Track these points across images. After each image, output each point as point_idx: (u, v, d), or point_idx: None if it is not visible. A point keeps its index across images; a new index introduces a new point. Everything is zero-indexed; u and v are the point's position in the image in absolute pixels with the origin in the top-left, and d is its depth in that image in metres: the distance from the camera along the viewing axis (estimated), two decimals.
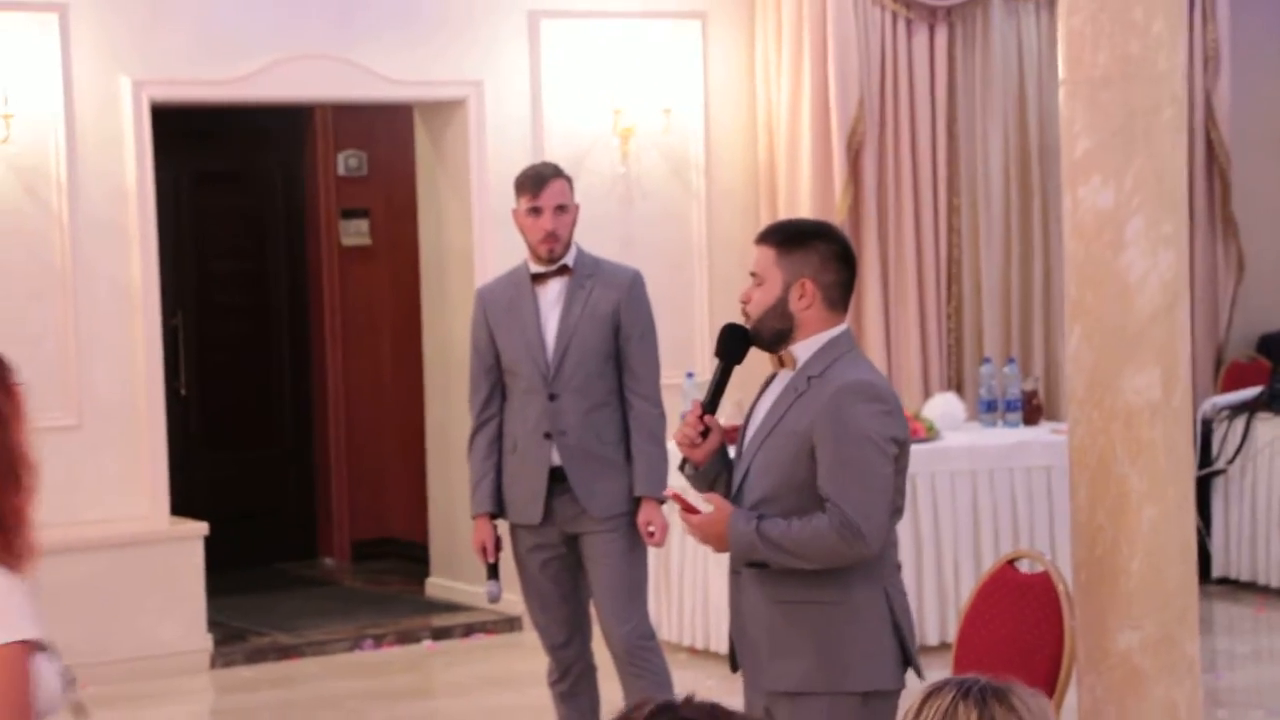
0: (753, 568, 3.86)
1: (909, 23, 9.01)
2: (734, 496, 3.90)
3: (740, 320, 4.05)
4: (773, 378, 4.02)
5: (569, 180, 5.56)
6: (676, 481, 4.76)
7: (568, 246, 5.49)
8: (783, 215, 8.93)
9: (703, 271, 9.02)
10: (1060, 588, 4.29)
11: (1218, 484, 8.83)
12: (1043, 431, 8.12)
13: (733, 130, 9.07)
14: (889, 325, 9.00)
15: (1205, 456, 8.84)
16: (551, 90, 8.65)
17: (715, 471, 4.02)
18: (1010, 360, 8.59)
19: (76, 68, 7.80)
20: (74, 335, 7.83)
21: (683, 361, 8.69)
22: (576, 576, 5.57)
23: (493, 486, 5.53)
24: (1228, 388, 9.38)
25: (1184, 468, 4.04)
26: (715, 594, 7.53)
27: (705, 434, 4.00)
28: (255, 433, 10.07)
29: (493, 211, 8.39)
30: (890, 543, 3.89)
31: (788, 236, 3.92)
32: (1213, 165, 9.65)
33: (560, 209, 5.42)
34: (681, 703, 1.98)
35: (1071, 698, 4.26)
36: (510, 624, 8.42)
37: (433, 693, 7.81)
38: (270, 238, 10.13)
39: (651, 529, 5.48)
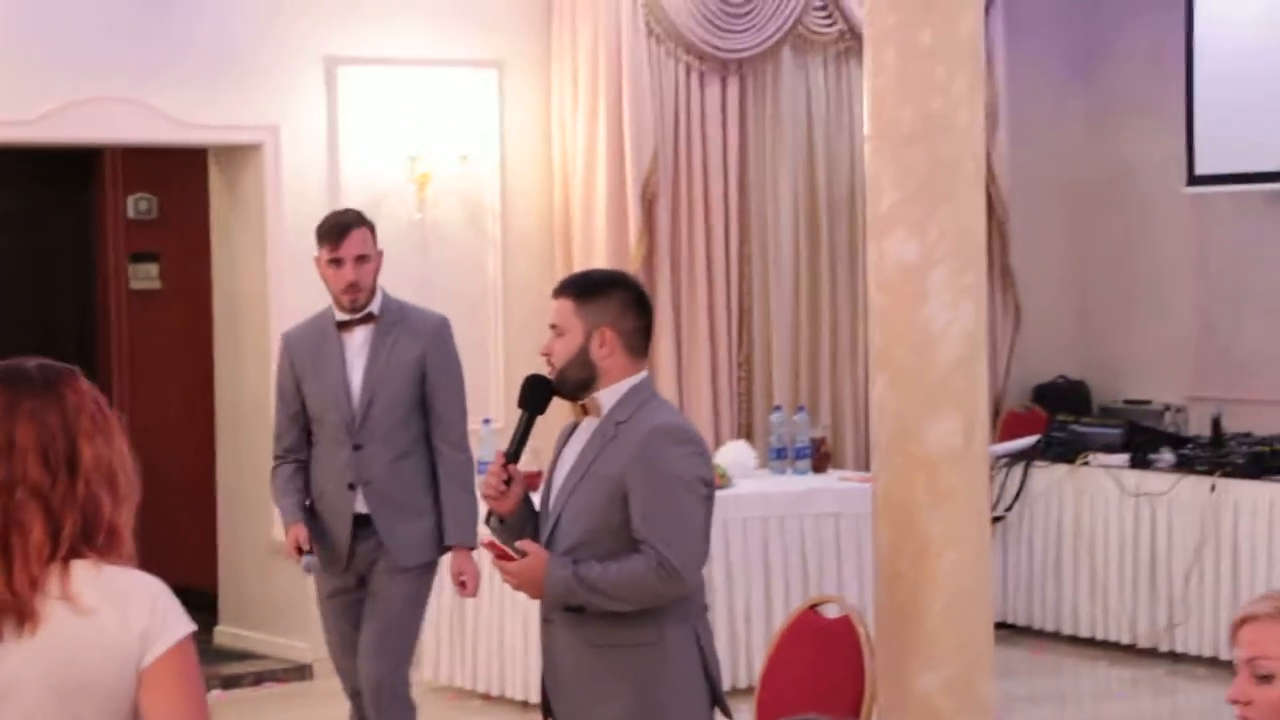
0: (567, 613, 3.89)
1: (702, 74, 9.11)
2: (544, 544, 3.93)
3: (541, 370, 4.12)
4: (574, 426, 4.08)
5: (371, 228, 5.49)
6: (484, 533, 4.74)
7: (372, 294, 5.43)
8: (578, 263, 8.98)
9: (498, 318, 9.02)
10: (861, 631, 4.34)
11: (997, 530, 9.01)
12: (831, 479, 8.20)
13: (529, 178, 9.09)
14: (681, 373, 9.07)
15: None
16: (348, 136, 8.60)
17: (521, 522, 4.05)
18: (800, 408, 8.69)
19: None
20: None
21: (479, 408, 8.60)
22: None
23: (299, 500, 5.43)
24: (1005, 436, 9.60)
25: (982, 513, 4.13)
26: (510, 639, 7.51)
27: (509, 484, 4.04)
28: None
29: (288, 257, 8.30)
30: (698, 584, 3.95)
31: (585, 287, 4.00)
32: (992, 218, 9.88)
33: (361, 259, 5.35)
34: None
35: None
36: (301, 672, 8.30)
37: None
38: (57, 282, 9.93)
39: (464, 579, 5.45)
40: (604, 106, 8.85)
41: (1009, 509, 8.94)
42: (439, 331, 5.51)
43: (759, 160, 9.30)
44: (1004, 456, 9.03)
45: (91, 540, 2.56)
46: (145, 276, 9.63)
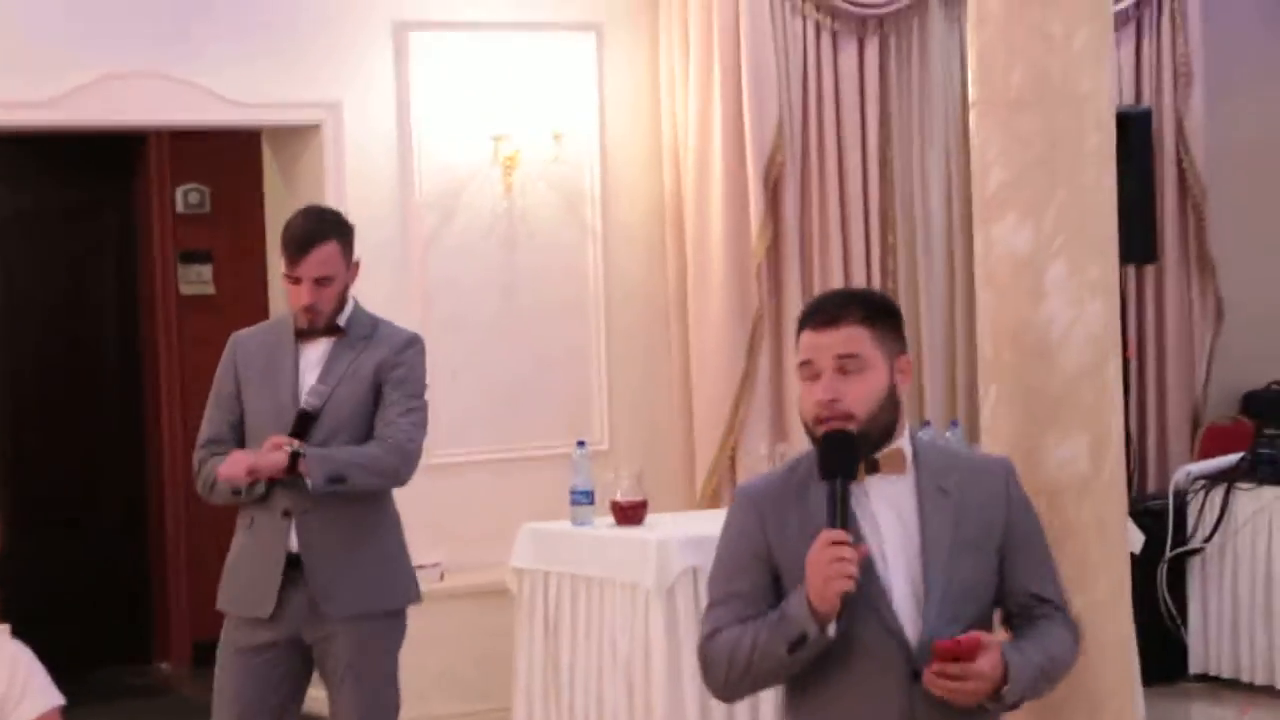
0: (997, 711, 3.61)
1: (835, 34, 9.04)
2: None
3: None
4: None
5: (344, 238, 5.29)
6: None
7: (339, 310, 5.32)
8: (692, 256, 9.01)
9: (599, 322, 9.02)
10: None
11: (1194, 564, 8.85)
12: None
13: (633, 158, 9.08)
14: None
15: (1180, 533, 8.86)
16: (422, 114, 8.63)
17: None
18: (954, 423, 8.55)
19: None
20: None
21: (575, 428, 8.65)
22: (299, 689, 5.37)
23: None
24: (1205, 454, 9.41)
25: (1117, 551, 4.02)
26: (612, 696, 7.48)
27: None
28: (77, 509, 9.92)
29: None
30: None
31: (883, 308, 3.67)
32: (1185, 198, 9.72)
33: (322, 281, 5.21)
34: None
35: None
36: None
37: None
38: (97, 285, 10.03)
39: (274, 450, 5.15)
40: (719, 73, 8.81)
41: (1208, 539, 8.77)
42: (407, 344, 5.39)
43: (904, 134, 9.22)
44: (1202, 478, 8.87)
45: None
46: (197, 279, 9.73)
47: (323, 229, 5.27)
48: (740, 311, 8.90)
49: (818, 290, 8.96)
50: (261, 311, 9.11)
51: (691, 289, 9.04)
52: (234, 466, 5.18)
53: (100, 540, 10.00)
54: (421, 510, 8.46)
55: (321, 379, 5.27)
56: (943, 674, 3.46)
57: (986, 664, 3.46)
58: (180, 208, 9.71)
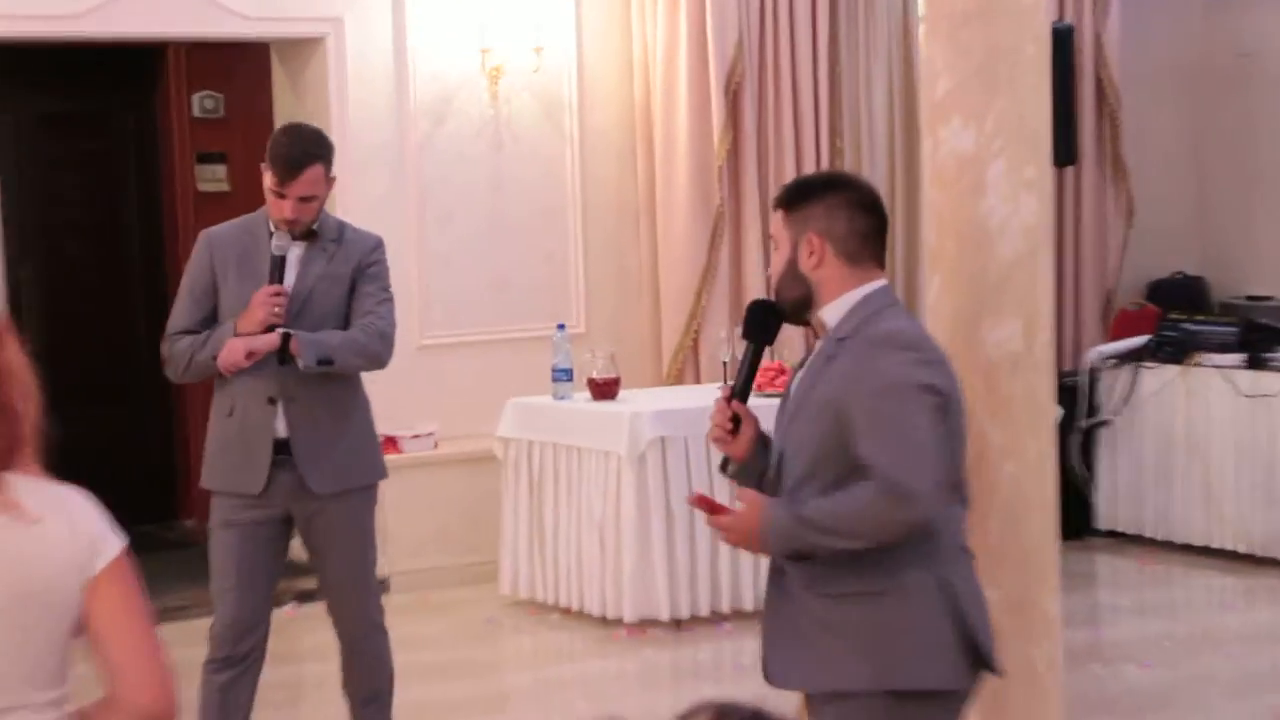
0: (796, 561, 3.55)
1: None
2: (775, 485, 3.63)
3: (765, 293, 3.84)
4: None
5: (328, 160, 5.16)
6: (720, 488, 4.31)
7: (313, 220, 5.22)
8: (660, 159, 8.97)
9: (576, 218, 8.97)
10: None
11: (1104, 435, 8.90)
12: None
13: (607, 70, 9.00)
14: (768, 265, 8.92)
15: (1092, 407, 8.91)
16: (417, 28, 8.55)
17: (762, 465, 3.68)
18: None
19: None
20: None
21: (555, 312, 8.64)
22: (283, 556, 5.33)
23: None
24: (1115, 336, 9.45)
25: (1044, 421, 4.03)
26: (589, 552, 7.53)
27: (737, 424, 3.70)
28: (108, 389, 9.91)
29: (353, 155, 8.32)
30: (953, 518, 3.55)
31: (792, 194, 3.66)
32: (1103, 107, 9.69)
33: (307, 199, 5.11)
34: (731, 707, 1.90)
35: None
36: (380, 584, 8.33)
37: (297, 657, 7.71)
38: (121, 184, 9.94)
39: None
40: None
41: (1116, 413, 8.82)
42: (376, 245, 5.29)
43: (850, 47, 9.14)
44: (1112, 357, 8.91)
45: (18, 451, 2.58)
46: (213, 178, 9.64)
47: (312, 152, 5.13)
48: (703, 210, 8.87)
49: (773, 189, 8.95)
50: None
51: (659, 189, 9.00)
52: (233, 353, 5.10)
53: (131, 414, 9.99)
54: (417, 385, 8.49)
55: (301, 275, 5.16)
56: (710, 524, 3.60)
57: (733, 519, 3.54)
58: (196, 112, 9.60)
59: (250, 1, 8.24)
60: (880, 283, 3.58)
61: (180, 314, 5.27)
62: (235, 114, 9.59)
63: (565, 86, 8.88)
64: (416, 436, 8.43)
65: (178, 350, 5.24)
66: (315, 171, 5.10)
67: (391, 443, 7.99)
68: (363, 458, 5.31)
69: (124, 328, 9.91)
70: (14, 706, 2.56)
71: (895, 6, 9.19)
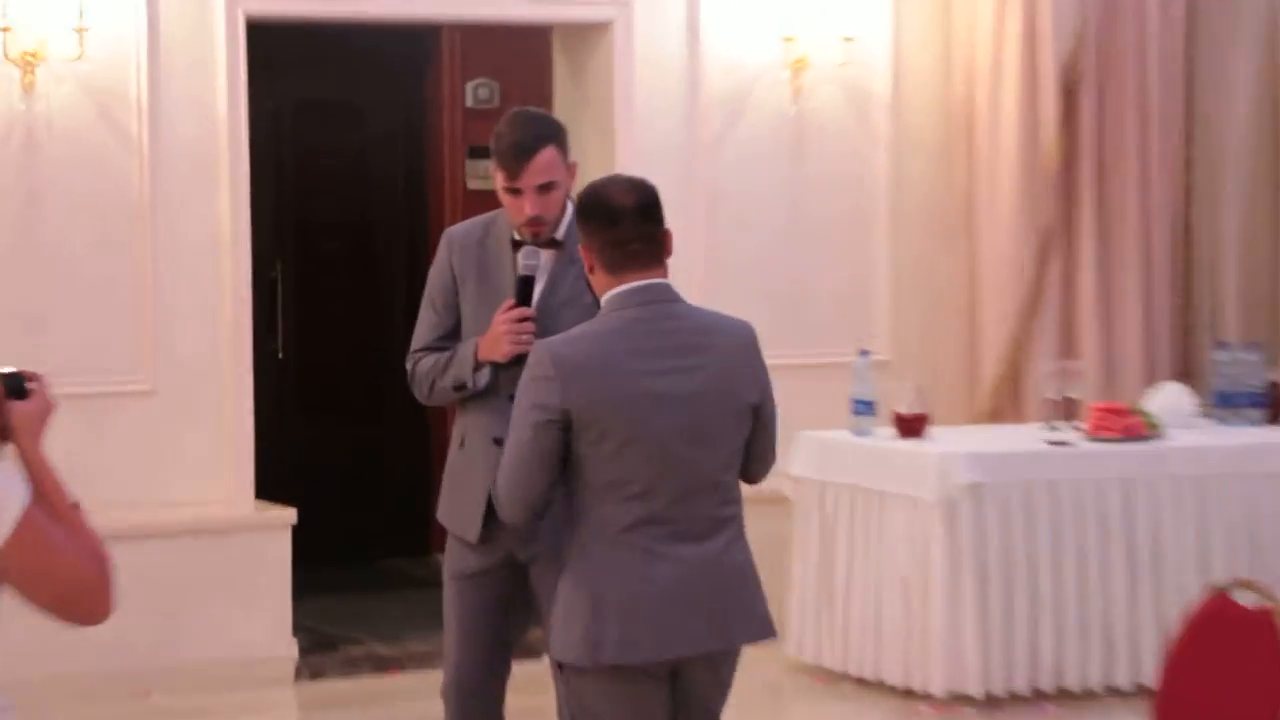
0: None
1: None
2: None
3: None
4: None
5: (560, 141, 4.91)
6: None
7: (559, 222, 4.92)
8: (983, 163, 8.88)
9: (884, 229, 8.86)
10: None
11: None
12: None
13: (925, 62, 8.89)
14: (1108, 299, 8.74)
15: None
16: (712, 13, 8.51)
17: None
18: (1252, 345, 8.27)
19: None
20: (151, 285, 7.75)
21: (856, 335, 8.51)
22: (522, 613, 5.05)
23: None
24: None
25: None
26: (888, 615, 7.38)
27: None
28: (361, 404, 9.95)
29: (640, 151, 8.31)
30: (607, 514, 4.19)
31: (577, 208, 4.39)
32: None
33: (546, 188, 4.83)
34: None
35: None
36: None
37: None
38: (385, 178, 9.99)
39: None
40: None
41: None
42: None
43: (1210, 41, 8.81)
44: None
45: None
46: (485, 175, 9.58)
47: (542, 132, 4.88)
48: (1031, 223, 8.69)
49: (1115, 202, 8.73)
50: None
51: (981, 199, 8.85)
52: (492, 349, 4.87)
53: (384, 437, 10.04)
54: None
55: (546, 294, 4.86)
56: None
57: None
58: (470, 102, 9.62)
59: None
60: (624, 287, 4.27)
61: (424, 328, 5.08)
62: (512, 105, 9.47)
63: (878, 81, 8.76)
64: None
65: (420, 371, 5.06)
66: (549, 154, 4.83)
67: None
68: None
69: (381, 338, 9.93)
70: None
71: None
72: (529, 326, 4.80)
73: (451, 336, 5.01)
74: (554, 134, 4.90)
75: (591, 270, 4.27)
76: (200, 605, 7.66)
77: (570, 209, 4.85)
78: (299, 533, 7.85)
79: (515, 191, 4.83)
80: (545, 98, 8.92)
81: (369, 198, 10.00)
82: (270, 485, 8.01)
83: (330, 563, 9.03)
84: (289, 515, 7.85)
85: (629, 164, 8.26)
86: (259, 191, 8.05)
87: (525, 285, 4.85)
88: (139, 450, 7.65)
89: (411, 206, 9.96)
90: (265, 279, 9.04)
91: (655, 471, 4.18)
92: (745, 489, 8.55)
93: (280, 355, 9.57)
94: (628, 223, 4.25)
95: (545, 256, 4.89)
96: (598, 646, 4.19)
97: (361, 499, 9.83)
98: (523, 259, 4.86)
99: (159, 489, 7.71)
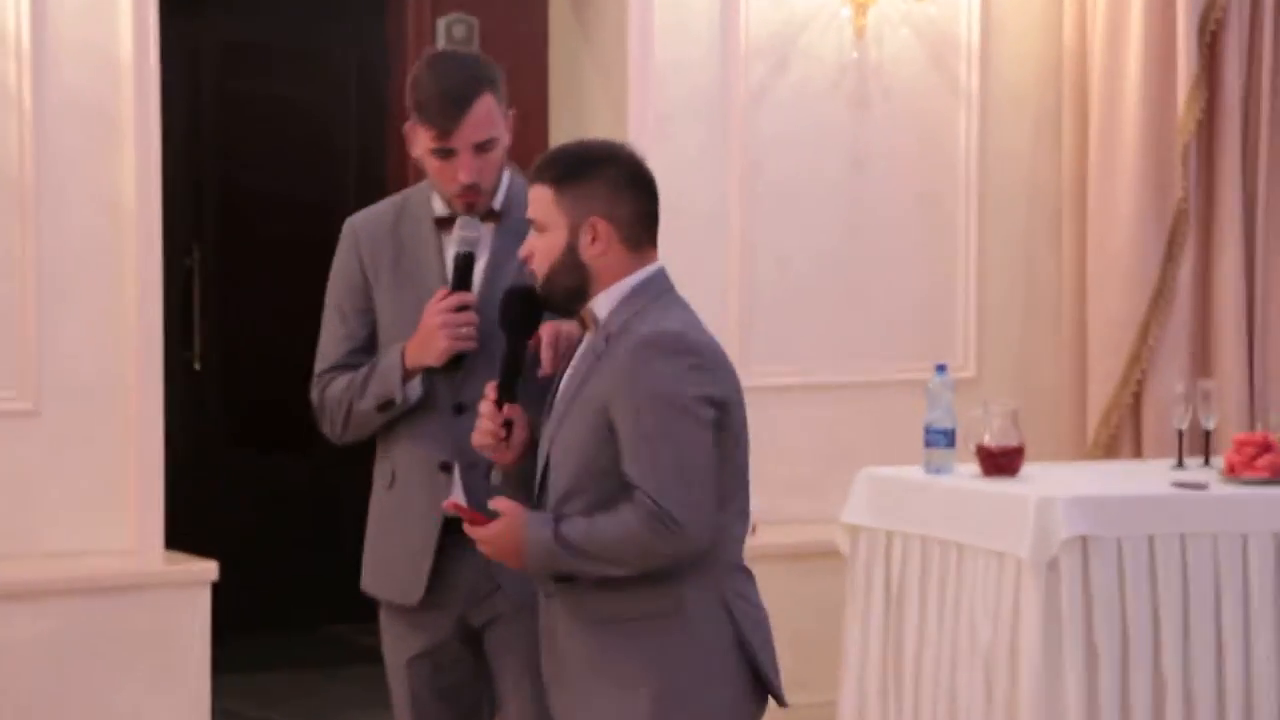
0: (562, 583, 4.37)
1: None
2: (539, 495, 4.45)
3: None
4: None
5: (497, 87, 4.90)
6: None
7: (496, 187, 4.94)
8: (1094, 125, 9.00)
9: (970, 210, 8.99)
10: None
11: None
12: None
13: (1023, 4, 9.01)
14: (1252, 289, 8.91)
15: None
16: None
17: (534, 472, 4.50)
18: None
19: None
20: (34, 278, 7.77)
21: (932, 347, 8.65)
22: (479, 688, 5.04)
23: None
24: None
25: None
26: (969, 693, 7.44)
27: (509, 429, 4.52)
28: (299, 430, 9.91)
29: (657, 110, 8.41)
30: (732, 538, 4.40)
31: (567, 168, 4.41)
32: None
33: (485, 146, 4.84)
34: None
35: None
36: None
37: None
38: (334, 140, 10.15)
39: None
40: None
41: None
42: None
43: None
44: None
45: None
46: None
47: (476, 74, 4.88)
48: (1157, 205, 8.82)
49: (1264, 167, 8.87)
50: None
51: (1093, 174, 8.95)
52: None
53: (330, 469, 9.98)
54: None
55: (486, 282, 4.86)
56: (469, 533, 4.40)
57: (493, 532, 4.34)
58: (442, 43, 9.68)
59: None
60: (655, 267, 4.43)
61: (330, 342, 5.06)
62: (494, 48, 9.58)
63: (962, 23, 8.93)
64: None
65: (331, 397, 5.02)
66: (486, 103, 4.84)
67: None
68: None
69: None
70: None
71: None
72: (470, 316, 4.81)
73: (366, 350, 5.00)
74: (490, 77, 4.89)
75: (594, 241, 4.36)
76: (92, 685, 7.66)
77: (508, 173, 4.93)
78: (219, 591, 7.88)
79: (447, 153, 4.83)
80: (538, 36, 9.02)
81: (313, 164, 10.12)
82: (184, 532, 8.07)
83: (258, 629, 9.07)
84: (208, 569, 7.87)
85: (645, 128, 8.42)
86: (171, 157, 8.08)
87: (465, 264, 4.86)
88: (14, 487, 7.64)
89: (367, 175, 10.01)
90: (180, 268, 9.09)
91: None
92: (789, 538, 8.71)
93: (197, 367, 9.61)
94: (657, 193, 4.48)
95: (485, 230, 4.91)
96: (756, 693, 4.63)
97: (297, 549, 9.87)
98: (459, 230, 4.87)
99: (39, 536, 7.73)
